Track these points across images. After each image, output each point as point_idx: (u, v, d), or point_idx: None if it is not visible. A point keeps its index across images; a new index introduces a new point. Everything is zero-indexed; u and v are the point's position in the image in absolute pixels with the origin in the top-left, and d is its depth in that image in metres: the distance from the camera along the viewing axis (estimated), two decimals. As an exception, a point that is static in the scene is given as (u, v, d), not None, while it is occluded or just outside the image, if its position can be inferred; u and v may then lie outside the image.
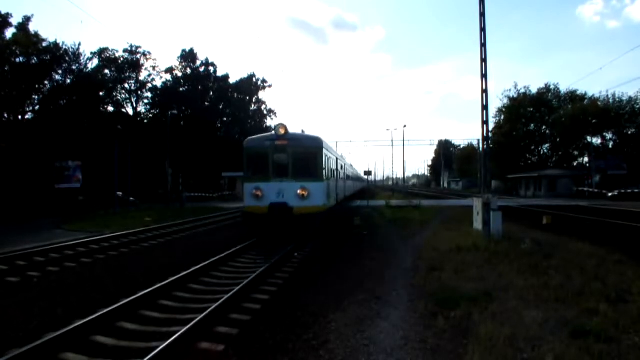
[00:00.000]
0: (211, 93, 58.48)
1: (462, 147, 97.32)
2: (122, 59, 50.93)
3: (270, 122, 61.13)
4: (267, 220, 11.88)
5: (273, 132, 12.90)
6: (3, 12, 34.75)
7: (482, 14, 13.99)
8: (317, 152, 12.75)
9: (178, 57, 56.52)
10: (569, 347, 4.78)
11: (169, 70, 55.72)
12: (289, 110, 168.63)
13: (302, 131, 15.29)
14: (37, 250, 11.63)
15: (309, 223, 11.89)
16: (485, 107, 13.98)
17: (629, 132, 58.05)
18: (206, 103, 56.88)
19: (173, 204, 34.56)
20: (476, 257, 10.03)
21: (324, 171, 12.86)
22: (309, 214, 11.84)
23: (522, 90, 64.64)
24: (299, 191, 12.00)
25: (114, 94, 51.07)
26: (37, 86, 37.86)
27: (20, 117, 37.84)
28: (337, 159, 17.71)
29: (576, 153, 63.05)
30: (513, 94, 64.84)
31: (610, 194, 41.62)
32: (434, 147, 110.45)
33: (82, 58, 42.01)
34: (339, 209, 18.28)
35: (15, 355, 4.42)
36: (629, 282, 7.49)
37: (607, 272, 8.35)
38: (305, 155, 12.61)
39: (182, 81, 56.33)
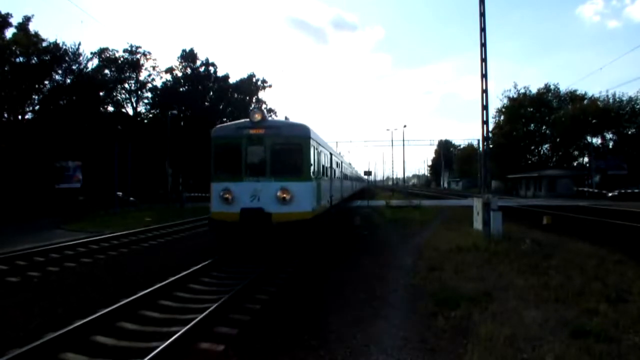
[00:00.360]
0: (211, 93, 58.51)
1: (462, 147, 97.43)
2: (122, 59, 50.97)
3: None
4: (238, 230, 9.62)
5: (247, 119, 10.31)
6: (3, 12, 34.76)
7: (482, 14, 14.00)
8: (302, 143, 10.22)
9: (178, 57, 56.60)
10: (569, 347, 4.78)
11: (169, 70, 55.80)
12: (289, 110, 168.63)
13: (286, 118, 13.83)
14: (37, 250, 11.63)
15: (292, 234, 9.67)
16: (485, 107, 13.99)
17: (629, 132, 58.11)
18: (206, 103, 56.91)
19: (173, 204, 34.56)
20: (476, 257, 10.03)
21: (311, 167, 10.41)
22: (291, 222, 9.54)
23: (522, 91, 64.84)
24: (278, 193, 9.63)
25: (114, 94, 51.10)
26: (37, 86, 37.88)
27: (20, 117, 37.85)
28: (331, 154, 15.30)
29: (576, 153, 63.16)
30: (513, 94, 65.02)
31: (610, 194, 41.65)
32: (434, 147, 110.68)
33: (82, 58, 42.05)
34: (334, 213, 16.16)
35: (15, 355, 4.42)
36: (629, 282, 7.50)
37: (607, 272, 8.35)
38: (287, 148, 10.23)
39: (182, 81, 56.36)
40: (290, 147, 10.28)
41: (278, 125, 10.65)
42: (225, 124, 11.11)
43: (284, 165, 10.12)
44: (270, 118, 10.60)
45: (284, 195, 9.67)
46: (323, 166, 12.73)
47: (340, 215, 18.71)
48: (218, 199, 10.03)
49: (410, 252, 11.33)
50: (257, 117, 10.06)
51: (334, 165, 16.46)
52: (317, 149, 11.33)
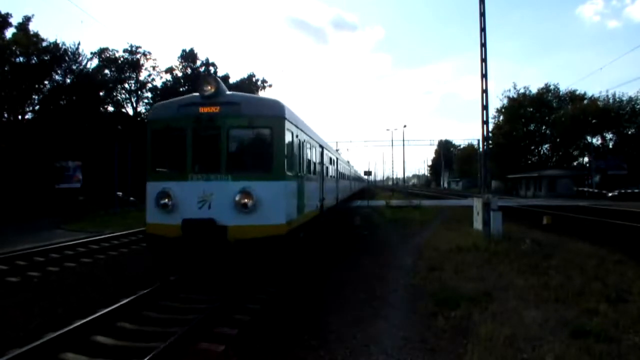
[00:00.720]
0: (211, 93, 58.44)
1: (462, 147, 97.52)
2: (122, 59, 50.91)
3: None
4: (181, 250, 7.00)
5: (197, 93, 7.50)
6: (3, 12, 34.74)
7: (482, 14, 14.00)
8: (273, 126, 7.35)
9: (178, 57, 56.45)
10: (569, 347, 4.79)
11: (169, 70, 55.68)
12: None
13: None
14: (37, 250, 11.62)
15: (257, 256, 6.92)
16: (485, 107, 14.00)
17: (629, 132, 58.16)
18: (206, 103, 56.81)
19: (173, 204, 34.46)
20: (476, 257, 10.04)
21: (287, 161, 7.50)
22: (256, 239, 6.82)
23: (522, 91, 64.96)
24: (238, 197, 6.87)
25: (114, 94, 51.06)
26: (37, 86, 37.86)
27: (20, 117, 37.84)
28: (322, 147, 12.46)
29: (576, 153, 63.18)
30: (512, 94, 65.11)
31: (610, 194, 41.68)
32: (434, 147, 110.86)
33: (82, 58, 42.05)
34: (326, 218, 13.35)
35: (15, 355, 4.42)
36: (629, 282, 7.51)
37: (607, 272, 8.36)
38: (251, 132, 7.55)
39: (182, 81, 56.22)
40: (255, 132, 7.54)
41: (238, 101, 7.52)
42: (168, 100, 8.50)
43: (247, 158, 7.61)
44: (229, 92, 7.79)
45: (246, 200, 6.88)
46: (309, 161, 10.06)
47: (334, 220, 16.50)
48: (154, 205, 7.47)
49: (410, 252, 11.33)
50: (209, 88, 7.28)
51: (326, 162, 13.82)
52: (297, 136, 8.51)
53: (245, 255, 6.83)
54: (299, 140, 8.72)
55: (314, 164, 10.92)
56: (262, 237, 6.86)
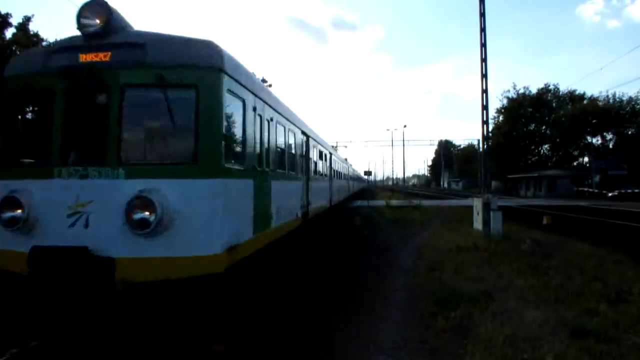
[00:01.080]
0: (211, 93, 58.37)
1: (462, 147, 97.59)
2: (122, 59, 51.04)
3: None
4: (33, 293, 4.36)
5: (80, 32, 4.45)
6: (3, 12, 34.68)
7: (482, 14, 14.01)
8: (201, 84, 4.33)
9: (178, 57, 56.56)
10: (569, 347, 4.78)
11: (169, 70, 55.74)
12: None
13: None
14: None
15: (170, 313, 4.32)
16: (485, 107, 14.02)
17: (629, 132, 58.23)
18: (206, 103, 56.77)
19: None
20: (476, 257, 10.04)
21: (225, 144, 4.55)
22: (165, 283, 4.05)
23: (522, 91, 65.08)
24: (133, 206, 4.01)
25: (114, 94, 51.17)
26: (37, 86, 37.97)
27: (20, 117, 37.92)
28: (306, 135, 9.95)
29: (576, 153, 63.24)
30: (512, 94, 65.21)
31: (610, 194, 41.70)
32: (434, 147, 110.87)
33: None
34: (315, 227, 11.17)
35: (14, 354, 4.42)
36: (629, 282, 7.51)
37: (607, 272, 8.37)
38: (162, 96, 4.32)
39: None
40: (169, 93, 4.33)
41: (143, 42, 4.42)
42: (35, 48, 4.78)
43: (154, 139, 4.78)
44: (132, 30, 4.73)
45: (146, 213, 3.98)
46: (281, 151, 7.28)
47: (328, 225, 14.39)
48: None
49: (411, 252, 11.33)
50: (96, 21, 4.34)
51: (314, 156, 11.25)
52: (255, 109, 5.55)
53: (146, 309, 4.06)
54: (260, 116, 5.75)
55: (293, 156, 8.34)
56: (177, 278, 4.01)
